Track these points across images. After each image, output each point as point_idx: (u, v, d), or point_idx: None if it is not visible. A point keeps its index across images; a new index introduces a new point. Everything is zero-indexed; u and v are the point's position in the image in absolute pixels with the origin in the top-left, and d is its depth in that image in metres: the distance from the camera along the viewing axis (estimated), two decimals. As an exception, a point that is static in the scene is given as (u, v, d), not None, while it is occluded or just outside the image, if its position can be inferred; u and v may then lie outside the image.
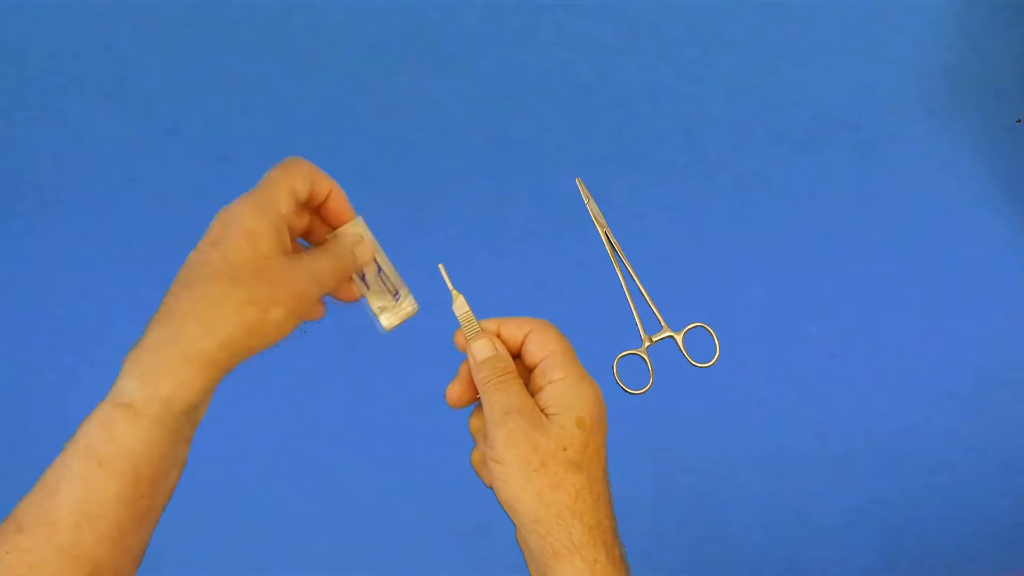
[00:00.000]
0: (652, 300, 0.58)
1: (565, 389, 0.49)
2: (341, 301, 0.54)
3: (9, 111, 1.32)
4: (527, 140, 1.32)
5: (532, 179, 1.30)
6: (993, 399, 1.21)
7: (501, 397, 0.48)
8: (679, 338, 0.59)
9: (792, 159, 1.32)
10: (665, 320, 0.58)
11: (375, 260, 0.54)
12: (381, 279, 0.54)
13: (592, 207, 0.60)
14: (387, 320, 0.54)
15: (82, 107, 1.32)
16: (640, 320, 0.58)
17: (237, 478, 1.13)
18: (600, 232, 0.59)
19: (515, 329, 0.52)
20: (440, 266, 0.54)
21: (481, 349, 0.51)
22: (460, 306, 0.53)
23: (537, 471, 0.46)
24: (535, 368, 0.51)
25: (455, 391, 0.53)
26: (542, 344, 0.50)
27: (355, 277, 0.54)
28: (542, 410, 0.49)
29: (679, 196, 1.30)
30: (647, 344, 0.58)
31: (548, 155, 1.31)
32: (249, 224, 0.46)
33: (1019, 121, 1.34)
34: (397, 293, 0.54)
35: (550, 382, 0.49)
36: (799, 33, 1.38)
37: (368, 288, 0.54)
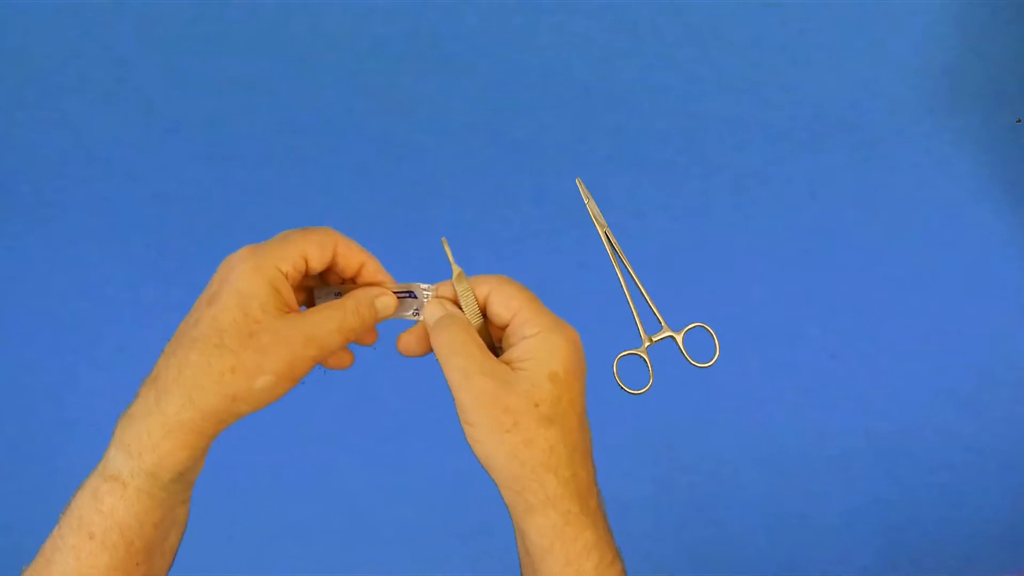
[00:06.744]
0: (652, 300, 0.58)
1: (538, 344, 0.47)
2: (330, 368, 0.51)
3: (9, 111, 1.32)
4: (527, 140, 1.32)
5: (532, 179, 1.30)
6: (993, 399, 1.21)
7: (458, 361, 0.46)
8: (679, 338, 0.58)
9: (792, 159, 1.32)
10: (665, 320, 0.58)
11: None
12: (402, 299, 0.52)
13: (592, 207, 0.60)
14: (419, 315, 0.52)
15: (82, 107, 1.32)
16: (640, 320, 0.58)
17: (236, 478, 1.13)
18: (600, 232, 0.59)
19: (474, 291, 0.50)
20: (443, 240, 0.53)
21: (431, 313, 0.50)
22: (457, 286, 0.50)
23: (509, 432, 0.45)
24: (506, 327, 0.49)
25: (405, 340, 0.50)
26: (505, 303, 0.49)
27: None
28: (513, 364, 0.47)
29: (679, 196, 1.30)
30: (647, 344, 0.58)
31: (548, 155, 1.31)
32: (243, 285, 0.44)
33: (1019, 121, 1.34)
34: (411, 293, 0.52)
35: (523, 338, 0.47)
36: (799, 33, 1.38)
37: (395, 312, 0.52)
